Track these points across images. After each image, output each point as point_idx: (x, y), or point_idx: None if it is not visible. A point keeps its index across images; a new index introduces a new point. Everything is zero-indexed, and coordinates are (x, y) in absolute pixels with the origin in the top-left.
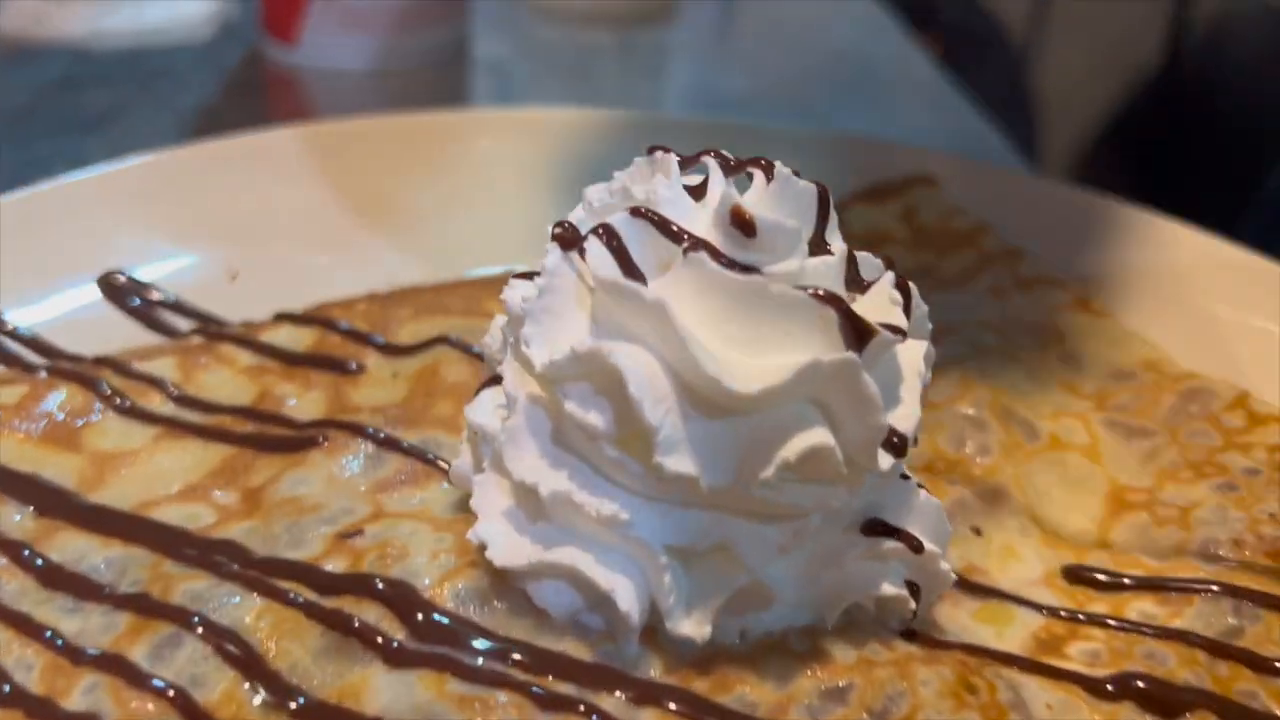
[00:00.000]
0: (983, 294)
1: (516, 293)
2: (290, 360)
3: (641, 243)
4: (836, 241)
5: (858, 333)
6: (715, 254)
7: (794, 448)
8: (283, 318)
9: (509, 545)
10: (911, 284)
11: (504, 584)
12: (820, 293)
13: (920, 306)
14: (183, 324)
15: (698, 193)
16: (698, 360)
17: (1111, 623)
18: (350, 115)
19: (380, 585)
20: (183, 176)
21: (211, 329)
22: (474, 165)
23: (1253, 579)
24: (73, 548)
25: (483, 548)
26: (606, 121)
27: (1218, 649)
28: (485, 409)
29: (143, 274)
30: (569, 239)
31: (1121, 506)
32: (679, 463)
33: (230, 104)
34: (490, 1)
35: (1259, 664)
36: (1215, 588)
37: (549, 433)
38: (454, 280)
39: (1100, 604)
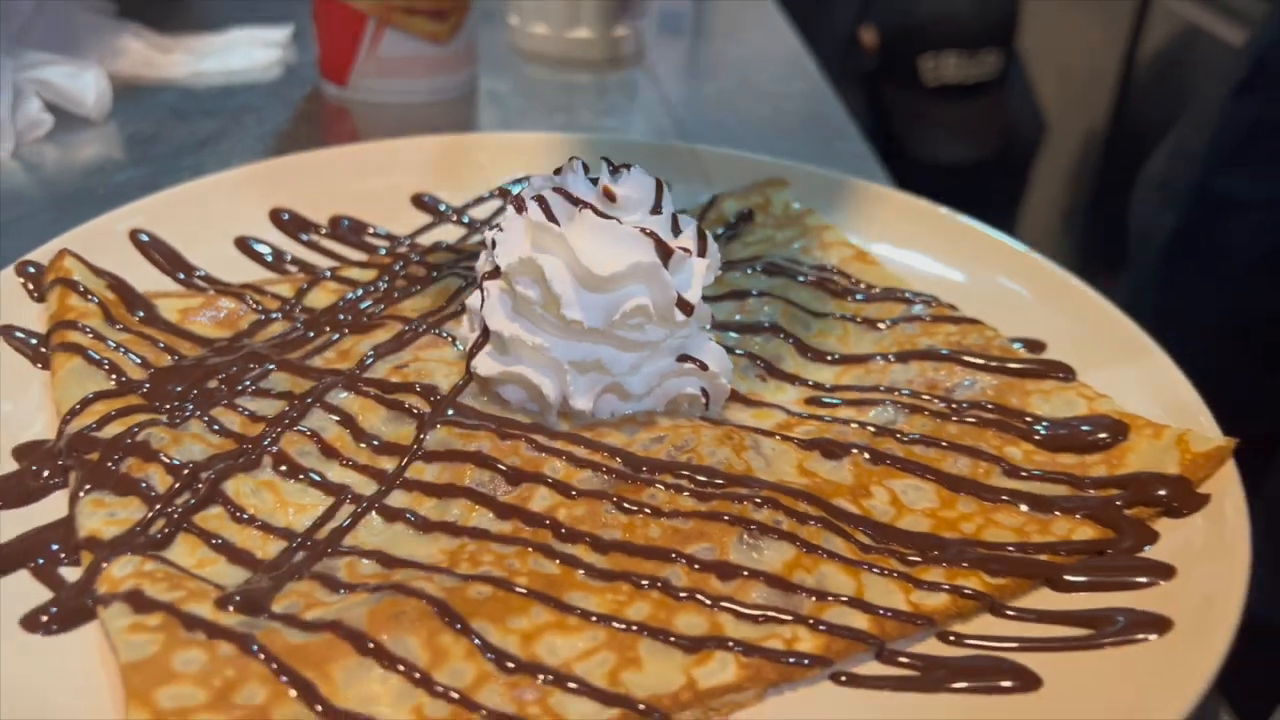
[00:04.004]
0: (795, 251)
1: (493, 232)
2: (363, 286)
3: (558, 205)
4: (668, 208)
5: (664, 251)
6: (596, 211)
7: (631, 305)
8: (351, 264)
9: (487, 366)
10: (708, 231)
11: (486, 388)
12: (647, 230)
13: (713, 246)
14: (292, 269)
15: (591, 180)
16: (582, 262)
17: (823, 418)
18: (391, 138)
19: (419, 388)
20: (290, 176)
21: (309, 270)
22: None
23: (912, 400)
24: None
25: (475, 370)
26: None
27: (880, 430)
28: (476, 298)
29: (266, 237)
30: (520, 203)
31: (852, 366)
32: (574, 314)
33: (298, 130)
34: (494, 51)
35: (901, 437)
36: (888, 403)
37: (510, 305)
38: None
39: (823, 412)
